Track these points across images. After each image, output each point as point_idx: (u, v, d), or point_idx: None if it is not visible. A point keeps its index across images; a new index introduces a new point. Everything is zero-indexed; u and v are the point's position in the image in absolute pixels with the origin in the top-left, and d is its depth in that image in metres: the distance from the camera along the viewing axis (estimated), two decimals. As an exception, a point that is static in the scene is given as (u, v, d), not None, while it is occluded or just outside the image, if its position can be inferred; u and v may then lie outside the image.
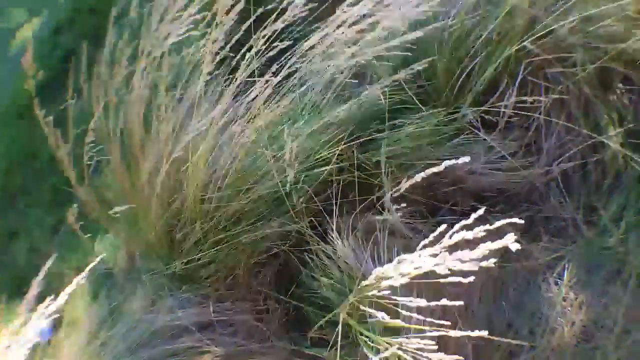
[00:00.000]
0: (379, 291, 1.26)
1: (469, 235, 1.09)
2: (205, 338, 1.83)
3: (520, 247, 1.04)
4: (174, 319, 1.86)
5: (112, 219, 1.90)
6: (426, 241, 1.18)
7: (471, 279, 1.09)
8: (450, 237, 1.12)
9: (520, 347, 1.73)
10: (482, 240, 1.06)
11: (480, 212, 1.13)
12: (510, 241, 1.03)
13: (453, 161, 1.25)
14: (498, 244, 1.04)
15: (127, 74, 1.84)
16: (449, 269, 1.09)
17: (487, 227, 1.08)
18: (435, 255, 1.12)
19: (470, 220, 1.13)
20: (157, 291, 1.93)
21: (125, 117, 1.85)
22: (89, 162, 1.79)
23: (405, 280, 1.18)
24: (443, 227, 1.16)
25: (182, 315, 1.85)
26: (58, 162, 1.87)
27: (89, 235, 2.20)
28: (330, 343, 1.51)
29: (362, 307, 1.34)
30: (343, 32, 1.70)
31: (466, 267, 1.07)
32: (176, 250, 1.86)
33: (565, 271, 1.80)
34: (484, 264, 1.06)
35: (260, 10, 1.68)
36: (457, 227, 1.13)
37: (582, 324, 1.73)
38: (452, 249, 1.11)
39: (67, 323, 2.09)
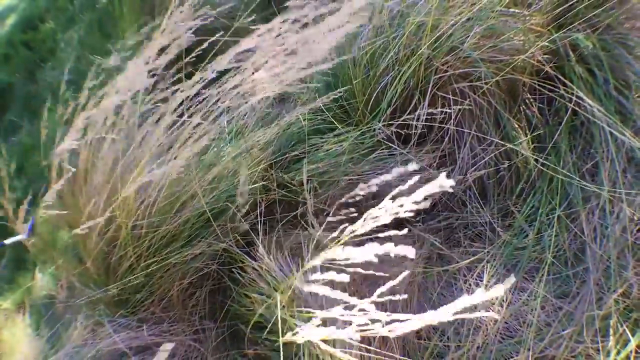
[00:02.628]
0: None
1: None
2: (144, 360, 1.98)
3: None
4: (112, 344, 1.99)
5: (53, 249, 2.05)
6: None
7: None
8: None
9: (447, 347, 1.89)
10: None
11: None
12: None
13: (380, 178, 1.41)
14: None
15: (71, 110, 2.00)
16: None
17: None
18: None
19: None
20: (96, 317, 2.06)
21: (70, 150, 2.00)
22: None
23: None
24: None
25: (120, 340, 1.99)
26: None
27: (29, 268, 2.33)
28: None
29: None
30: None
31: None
32: (112, 276, 2.00)
33: (485, 272, 1.97)
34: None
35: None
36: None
37: (505, 321, 1.90)
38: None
39: (6, 354, 2.20)
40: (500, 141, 2.04)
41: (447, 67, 1.99)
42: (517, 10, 2.02)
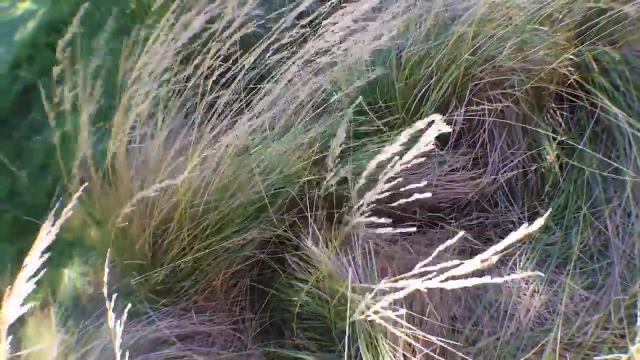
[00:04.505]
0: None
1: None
2: (185, 348, 2.07)
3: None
4: (153, 330, 2.08)
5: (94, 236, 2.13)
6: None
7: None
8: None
9: (480, 333, 2.06)
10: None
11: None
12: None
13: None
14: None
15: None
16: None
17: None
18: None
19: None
20: (137, 305, 2.14)
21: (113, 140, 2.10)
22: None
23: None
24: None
25: (161, 327, 2.08)
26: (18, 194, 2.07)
27: (53, 264, 2.40)
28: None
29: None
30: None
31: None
32: (158, 262, 2.09)
33: (517, 265, 2.17)
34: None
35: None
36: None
37: (536, 310, 2.08)
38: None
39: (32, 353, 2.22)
40: (530, 143, 2.28)
41: (484, 74, 2.22)
42: (543, 28, 2.28)
